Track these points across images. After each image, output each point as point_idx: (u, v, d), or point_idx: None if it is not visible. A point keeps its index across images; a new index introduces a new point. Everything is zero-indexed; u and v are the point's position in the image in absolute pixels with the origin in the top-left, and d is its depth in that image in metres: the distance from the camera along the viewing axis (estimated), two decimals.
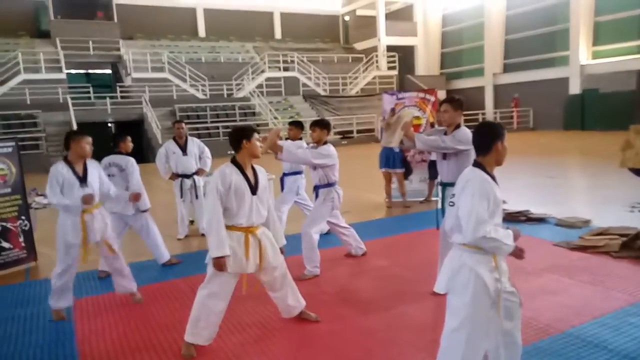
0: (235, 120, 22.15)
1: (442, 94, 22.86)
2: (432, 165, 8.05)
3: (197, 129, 20.16)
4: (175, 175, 6.74)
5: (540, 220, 6.55)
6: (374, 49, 29.36)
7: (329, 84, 26.87)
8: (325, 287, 4.69)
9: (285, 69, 26.48)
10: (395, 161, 7.97)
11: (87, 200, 4.05)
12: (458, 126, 4.20)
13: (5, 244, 5.68)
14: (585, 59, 22.87)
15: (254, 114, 23.21)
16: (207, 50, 27.38)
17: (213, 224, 3.30)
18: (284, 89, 25.56)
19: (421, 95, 8.42)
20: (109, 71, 26.00)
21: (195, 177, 6.77)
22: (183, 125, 6.82)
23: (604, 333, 3.49)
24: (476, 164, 2.71)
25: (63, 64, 22.17)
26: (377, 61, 28.83)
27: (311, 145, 5.11)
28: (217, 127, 20.85)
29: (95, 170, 4.26)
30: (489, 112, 26.00)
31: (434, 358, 2.73)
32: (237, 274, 3.49)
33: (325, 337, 3.65)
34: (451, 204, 2.75)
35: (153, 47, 25.86)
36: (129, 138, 5.34)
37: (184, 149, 6.72)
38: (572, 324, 3.65)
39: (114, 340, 3.79)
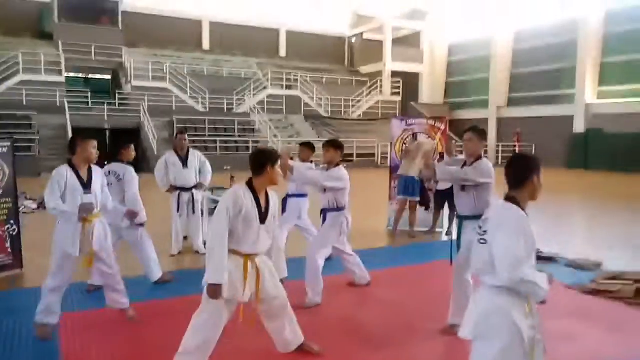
0: (234, 136, 21.99)
1: None
2: (439, 195, 7.86)
3: (194, 141, 19.90)
4: (173, 188, 6.48)
5: (550, 259, 6.32)
6: (379, 73, 29.43)
7: (331, 105, 26.83)
8: (328, 318, 4.42)
9: (288, 87, 26.44)
10: (415, 189, 7.77)
11: (86, 209, 3.81)
12: (479, 157, 4.03)
13: None
14: (591, 98, 22.96)
15: (253, 130, 23.06)
16: (210, 63, 27.31)
17: (215, 248, 3.05)
18: (285, 108, 25.47)
19: (431, 122, 8.26)
20: (108, 77, 25.81)
21: (194, 191, 6.52)
22: (186, 136, 6.60)
23: None
24: (509, 199, 2.50)
25: (63, 67, 21.98)
26: (381, 86, 28.87)
27: (322, 166, 4.89)
28: (215, 142, 20.64)
29: (99, 178, 4.06)
30: (492, 145, 25.93)
31: None
32: (234, 302, 3.23)
33: None
34: (482, 241, 2.52)
35: (155, 56, 25.75)
36: (132, 147, 5.12)
37: (184, 161, 6.48)
38: None
39: (100, 354, 3.54)
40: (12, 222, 5.57)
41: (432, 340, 3.97)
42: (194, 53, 28.15)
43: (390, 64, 29.36)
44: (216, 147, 20.30)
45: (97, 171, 4.06)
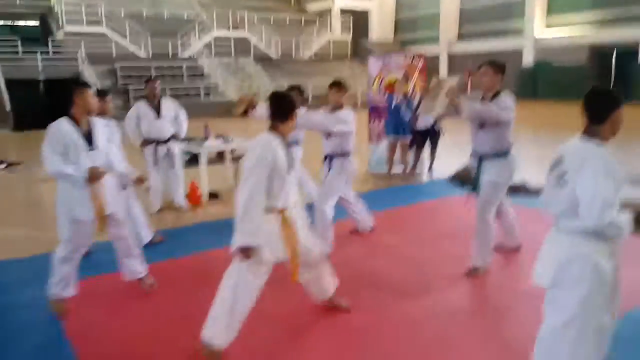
0: (182, 82, 20.90)
1: None
2: (420, 135, 7.71)
3: (140, 89, 18.74)
4: (147, 142, 5.95)
5: (518, 189, 6.22)
6: (327, 12, 28.46)
7: (281, 46, 25.83)
8: (341, 269, 4.16)
9: (235, 29, 25.13)
10: (405, 128, 7.54)
11: (95, 175, 3.33)
12: (497, 93, 3.81)
13: None
14: (540, 27, 23.26)
15: (202, 75, 21.97)
16: (149, 4, 25.39)
17: (251, 206, 2.71)
18: (234, 50, 24.31)
19: (408, 60, 7.94)
20: (37, 23, 23.54)
21: (170, 143, 6.03)
22: (158, 83, 6.01)
23: None
24: (591, 134, 2.29)
25: None
26: (331, 24, 27.98)
27: (324, 108, 4.55)
28: (163, 89, 19.49)
29: (103, 131, 3.49)
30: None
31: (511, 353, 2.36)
32: (271, 264, 2.95)
33: (370, 332, 3.20)
34: (560, 182, 2.31)
35: None
36: (110, 97, 4.53)
37: (157, 111, 5.94)
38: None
39: (111, 331, 3.28)
40: None
41: (455, 286, 3.86)
42: None
43: (339, 1, 28.40)
44: (164, 95, 19.17)
45: (99, 124, 3.50)
